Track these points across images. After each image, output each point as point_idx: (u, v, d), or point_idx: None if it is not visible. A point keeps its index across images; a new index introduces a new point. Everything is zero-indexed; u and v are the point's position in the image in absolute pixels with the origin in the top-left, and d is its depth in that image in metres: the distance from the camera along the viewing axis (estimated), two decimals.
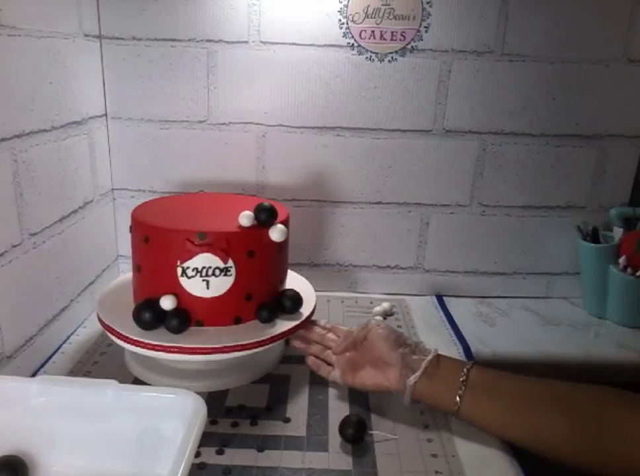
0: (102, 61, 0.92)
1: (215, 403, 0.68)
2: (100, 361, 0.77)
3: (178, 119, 0.95)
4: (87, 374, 0.74)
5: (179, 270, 0.65)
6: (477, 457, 0.61)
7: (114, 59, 0.92)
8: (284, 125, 0.95)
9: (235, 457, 0.60)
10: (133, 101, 0.94)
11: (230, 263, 0.65)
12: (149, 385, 0.70)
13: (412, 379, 0.62)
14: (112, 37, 0.90)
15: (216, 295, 0.67)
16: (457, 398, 0.60)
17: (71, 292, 0.85)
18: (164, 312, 0.66)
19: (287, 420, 0.66)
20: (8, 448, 0.53)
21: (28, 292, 0.72)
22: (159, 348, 0.64)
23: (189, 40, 0.91)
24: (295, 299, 0.73)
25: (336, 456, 0.60)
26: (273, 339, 0.68)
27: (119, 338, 0.67)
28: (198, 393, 0.54)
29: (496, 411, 0.60)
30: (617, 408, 0.55)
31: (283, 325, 0.70)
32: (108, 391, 0.54)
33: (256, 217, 0.68)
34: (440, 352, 0.65)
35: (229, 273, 0.66)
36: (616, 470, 0.54)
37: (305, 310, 0.74)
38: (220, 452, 0.60)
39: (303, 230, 1.00)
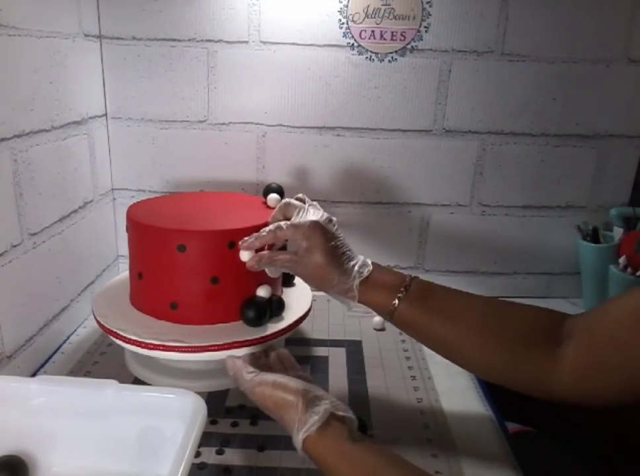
0: (102, 61, 0.92)
1: (215, 403, 0.68)
2: (100, 361, 0.77)
3: (178, 119, 0.95)
4: (87, 374, 0.74)
5: None
6: (476, 457, 0.61)
7: (114, 59, 0.92)
8: (284, 125, 0.95)
9: (235, 457, 0.60)
10: (133, 101, 0.94)
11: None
12: (149, 385, 0.70)
13: (356, 281, 0.60)
14: (112, 37, 0.90)
15: (280, 272, 0.71)
16: (396, 301, 0.58)
17: (71, 292, 0.85)
18: (266, 302, 0.69)
19: None
20: (8, 448, 0.53)
21: (28, 292, 0.72)
22: (160, 348, 0.64)
23: (189, 40, 0.91)
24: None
25: None
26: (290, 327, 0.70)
27: (117, 338, 0.67)
28: (198, 393, 0.54)
29: (427, 318, 0.58)
30: (540, 345, 0.55)
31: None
32: (108, 391, 0.54)
33: (279, 193, 0.77)
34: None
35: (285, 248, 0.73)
36: (526, 393, 0.55)
37: (300, 310, 0.75)
38: (220, 452, 0.60)
39: None
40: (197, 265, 0.66)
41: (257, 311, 0.67)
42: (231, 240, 0.66)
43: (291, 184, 0.98)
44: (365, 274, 0.60)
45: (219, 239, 0.66)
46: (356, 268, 0.61)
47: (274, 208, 0.75)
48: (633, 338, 0.48)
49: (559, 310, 0.59)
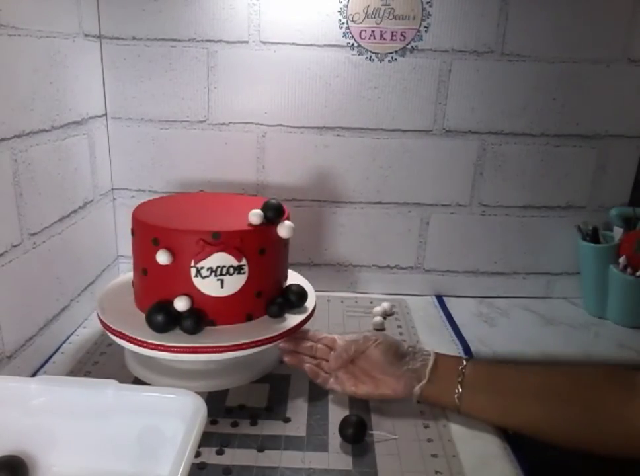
0: (102, 61, 0.92)
1: (215, 403, 0.68)
2: (100, 361, 0.77)
3: (178, 119, 0.95)
4: (87, 374, 0.74)
5: (193, 271, 0.65)
6: (477, 457, 0.61)
7: (114, 59, 0.92)
8: (284, 125, 0.95)
9: (235, 457, 0.60)
10: (133, 101, 0.94)
11: (243, 261, 0.66)
12: (149, 385, 0.70)
13: (417, 389, 0.64)
14: (112, 37, 0.90)
15: (230, 293, 0.67)
16: (456, 399, 0.63)
17: (71, 292, 0.85)
18: (178, 313, 0.66)
19: (287, 420, 0.66)
20: (8, 448, 0.53)
21: (28, 292, 0.72)
22: (161, 348, 0.64)
23: (189, 40, 0.91)
24: (301, 293, 0.75)
25: (336, 456, 0.60)
26: (284, 334, 0.69)
27: (120, 337, 0.67)
28: (198, 393, 0.54)
29: (493, 405, 0.63)
30: (612, 391, 0.57)
31: (292, 319, 0.72)
32: (108, 391, 0.54)
33: (265, 214, 0.69)
34: (436, 351, 0.68)
35: (242, 271, 0.67)
36: (615, 449, 0.57)
37: (309, 305, 0.75)
38: (220, 452, 0.60)
39: (303, 230, 0.99)
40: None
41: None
42: (154, 237, 0.66)
43: (291, 184, 0.98)
44: (433, 357, 0.66)
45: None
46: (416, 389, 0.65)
47: (254, 224, 0.68)
48: None
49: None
